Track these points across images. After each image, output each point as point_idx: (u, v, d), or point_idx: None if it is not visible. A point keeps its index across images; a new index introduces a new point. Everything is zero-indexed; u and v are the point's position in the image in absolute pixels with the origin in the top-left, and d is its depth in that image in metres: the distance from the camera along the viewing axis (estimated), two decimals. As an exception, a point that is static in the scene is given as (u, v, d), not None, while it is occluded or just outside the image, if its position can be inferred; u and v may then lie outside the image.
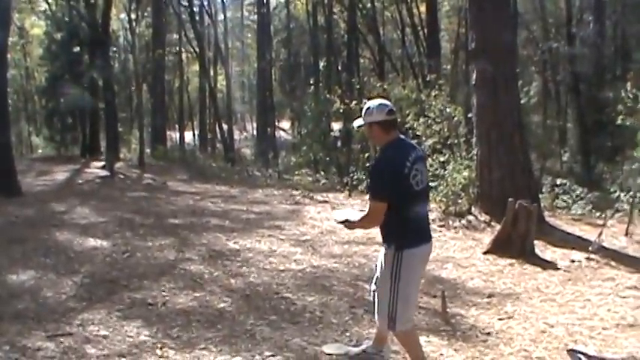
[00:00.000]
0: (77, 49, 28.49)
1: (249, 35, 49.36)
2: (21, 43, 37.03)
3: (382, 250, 4.69)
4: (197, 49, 34.58)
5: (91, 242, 9.60)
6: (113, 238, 9.97)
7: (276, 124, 36.31)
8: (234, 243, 9.80)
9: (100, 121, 28.69)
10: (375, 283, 4.81)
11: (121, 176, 19.00)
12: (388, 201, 4.36)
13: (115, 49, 34.88)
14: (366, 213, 4.54)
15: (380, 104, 4.57)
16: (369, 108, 4.58)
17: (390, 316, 4.57)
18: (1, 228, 10.37)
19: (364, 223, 4.68)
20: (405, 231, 4.47)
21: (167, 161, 24.72)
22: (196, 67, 41.97)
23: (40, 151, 34.94)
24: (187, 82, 43.99)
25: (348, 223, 4.69)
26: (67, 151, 29.19)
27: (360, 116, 4.69)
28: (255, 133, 38.87)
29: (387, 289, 4.57)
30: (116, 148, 24.90)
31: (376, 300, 4.75)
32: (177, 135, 38.58)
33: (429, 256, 4.80)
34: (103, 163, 21.07)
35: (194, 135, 40.74)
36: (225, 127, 32.34)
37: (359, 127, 4.74)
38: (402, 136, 4.67)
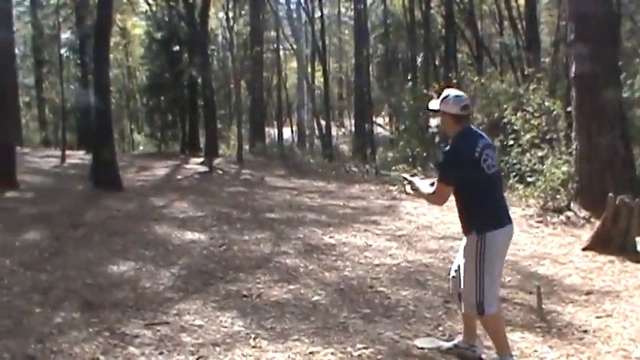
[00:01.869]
0: (177, 48, 29.29)
1: (347, 32, 49.35)
2: (123, 43, 38.29)
3: (463, 240, 4.85)
4: (295, 46, 34.92)
5: (189, 235, 9.83)
6: (210, 231, 10.19)
7: (374, 119, 36.12)
8: (330, 237, 9.86)
9: (200, 118, 29.37)
10: (456, 271, 4.95)
11: (220, 172, 19.38)
12: (454, 185, 4.62)
13: (213, 47, 35.63)
14: (432, 191, 4.76)
15: (457, 96, 4.74)
16: (447, 96, 4.74)
17: (478, 301, 4.66)
18: (103, 221, 10.74)
19: (430, 197, 4.84)
20: (483, 214, 4.64)
21: (265, 157, 25.07)
22: (294, 64, 42.43)
23: (141, 147, 36.10)
24: (285, 78, 44.45)
25: (414, 187, 4.82)
26: (168, 147, 30.01)
27: (436, 100, 4.89)
28: (352, 129, 38.81)
29: (472, 276, 4.68)
30: (215, 145, 25.41)
31: (461, 288, 4.84)
32: (276, 131, 39.02)
33: (510, 238, 4.85)
34: (202, 159, 21.56)
35: (292, 131, 41.11)
36: (322, 123, 32.49)
37: (432, 110, 4.91)
38: (472, 126, 4.87)
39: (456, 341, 5.23)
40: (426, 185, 4.92)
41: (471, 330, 5.11)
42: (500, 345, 4.79)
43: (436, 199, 4.82)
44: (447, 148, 4.81)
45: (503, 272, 6.22)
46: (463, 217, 4.79)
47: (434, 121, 4.89)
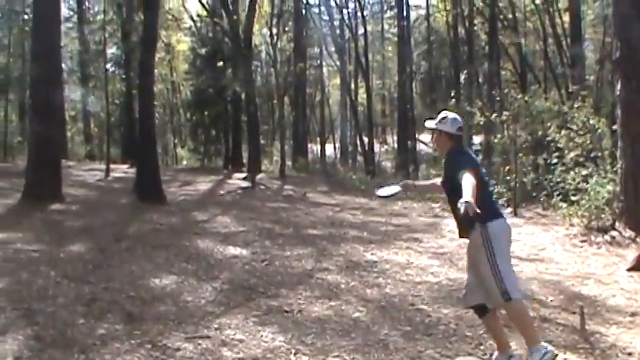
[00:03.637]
0: (221, 63, 29.66)
1: (390, 48, 49.44)
2: (167, 59, 38.74)
3: (468, 243, 5.17)
4: (338, 63, 35.06)
5: (231, 250, 9.92)
6: (252, 246, 10.26)
7: (417, 136, 36.11)
8: (372, 254, 9.86)
9: (243, 133, 29.60)
10: (467, 286, 5.28)
11: (262, 187, 19.51)
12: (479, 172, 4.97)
13: (257, 63, 35.99)
14: (468, 183, 4.71)
15: (455, 119, 5.26)
16: (445, 117, 5.26)
17: (501, 289, 4.80)
18: (147, 235, 10.89)
19: (472, 188, 4.69)
20: (483, 208, 4.59)
21: (308, 173, 25.18)
22: (337, 81, 42.57)
23: (184, 162, 36.42)
24: (328, 95, 44.64)
25: (468, 204, 4.53)
26: (211, 162, 30.30)
27: (436, 119, 5.32)
28: (395, 145, 38.81)
29: (487, 268, 4.89)
30: (258, 160, 25.57)
31: (483, 286, 5.00)
32: (318, 147, 39.20)
33: (509, 230, 5.11)
34: (244, 175, 21.73)
35: (335, 148, 41.20)
36: (365, 139, 32.55)
37: (429, 128, 5.40)
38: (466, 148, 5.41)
39: (494, 357, 5.24)
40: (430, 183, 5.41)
41: (502, 340, 5.17)
42: (530, 336, 4.86)
43: (473, 178, 4.77)
44: (455, 157, 5.15)
45: (545, 291, 6.16)
46: (466, 218, 4.67)
47: (429, 124, 5.13)
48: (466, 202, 4.51)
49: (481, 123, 17.10)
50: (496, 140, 16.74)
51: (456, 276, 8.41)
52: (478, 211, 4.45)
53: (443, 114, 5.33)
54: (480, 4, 29.80)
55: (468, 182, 4.73)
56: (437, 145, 5.47)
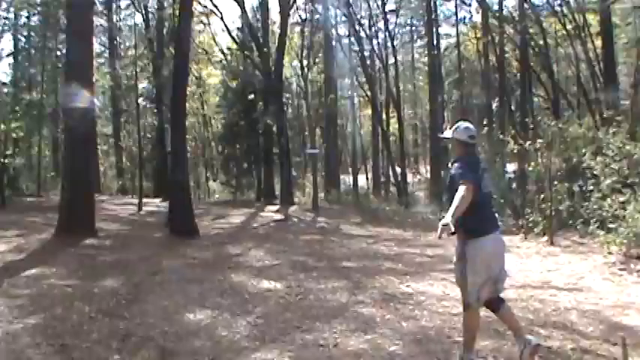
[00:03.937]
0: (252, 96, 29.91)
1: (421, 77, 49.62)
2: (198, 92, 39.16)
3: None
4: (369, 93, 35.16)
5: (265, 284, 9.90)
6: (287, 280, 10.24)
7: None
8: (407, 286, 9.78)
9: (275, 165, 29.71)
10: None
11: (295, 219, 19.53)
12: (475, 185, 5.50)
13: (288, 95, 36.24)
14: (459, 194, 5.42)
15: (467, 127, 5.95)
16: (458, 126, 5.96)
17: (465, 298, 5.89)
18: (180, 269, 10.94)
19: (460, 202, 5.39)
20: (474, 222, 5.59)
21: (340, 205, 25.14)
22: (369, 111, 42.63)
23: (216, 195, 36.66)
24: (360, 125, 44.69)
25: (450, 220, 5.27)
26: (243, 195, 30.41)
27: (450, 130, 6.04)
28: (428, 175, 38.75)
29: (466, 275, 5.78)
30: (290, 192, 25.62)
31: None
32: (351, 178, 39.16)
33: (501, 244, 5.94)
34: (277, 207, 21.77)
35: (367, 178, 41.19)
36: (398, 170, 32.51)
37: (445, 138, 6.13)
38: (476, 156, 6.10)
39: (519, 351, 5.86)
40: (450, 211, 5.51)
41: (517, 327, 5.99)
42: (466, 341, 5.98)
43: (466, 197, 5.39)
44: (457, 165, 5.81)
45: (585, 321, 6.74)
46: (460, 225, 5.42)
47: (446, 133, 6.17)
48: (443, 224, 5.23)
49: (514, 151, 16.99)
50: (530, 168, 16.61)
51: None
52: (452, 231, 5.20)
53: (457, 123, 6.03)
54: (511, 31, 29.72)
55: (456, 198, 5.38)
56: (453, 152, 6.13)
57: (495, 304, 5.90)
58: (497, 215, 6.13)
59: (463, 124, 5.99)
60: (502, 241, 5.98)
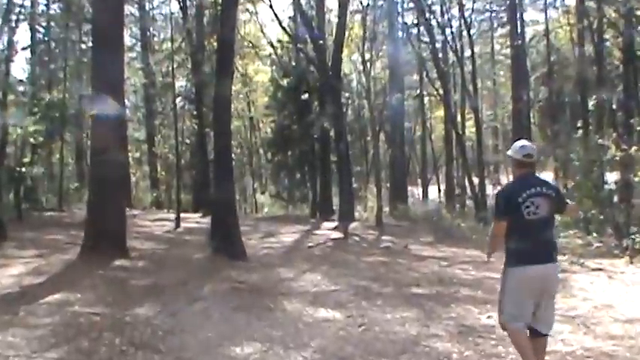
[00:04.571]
0: (306, 96, 29.97)
1: (502, 72, 49.15)
2: (244, 92, 39.31)
3: None
4: (441, 91, 34.97)
5: (323, 313, 9.87)
6: (347, 308, 10.18)
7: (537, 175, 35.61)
8: (488, 317, 9.64)
9: (333, 176, 29.70)
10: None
11: (357, 238, 19.51)
12: (507, 220, 6.27)
13: (347, 94, 36.20)
14: (490, 230, 6.69)
15: (522, 146, 6.46)
16: (515, 144, 6.56)
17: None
18: (224, 295, 10.97)
19: (490, 239, 6.78)
20: (511, 250, 6.33)
21: (408, 221, 25.06)
22: (441, 112, 42.41)
23: (265, 210, 36.79)
24: (431, 129, 44.52)
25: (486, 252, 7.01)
26: (296, 209, 30.51)
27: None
28: (512, 186, 38.43)
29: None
30: (351, 207, 25.61)
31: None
32: (420, 190, 39.07)
33: (543, 276, 6.40)
34: (335, 224, 21.78)
35: (439, 190, 41.01)
36: (475, 180, 32.25)
37: (508, 156, 6.72)
38: (531, 173, 6.48)
39: None
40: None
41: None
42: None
43: (494, 234, 6.52)
44: (498, 194, 6.76)
45: None
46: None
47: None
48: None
49: (616, 158, 16.71)
50: (637, 179, 16.31)
51: (594, 345, 8.13)
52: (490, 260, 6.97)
53: (517, 142, 6.70)
54: (612, 15, 29.25)
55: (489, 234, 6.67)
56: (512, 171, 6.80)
57: (533, 331, 6.44)
58: (551, 243, 6.56)
59: (519, 143, 6.60)
60: (542, 276, 6.37)
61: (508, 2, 38.83)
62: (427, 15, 33.41)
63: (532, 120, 41.48)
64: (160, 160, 38.58)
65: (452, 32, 36.55)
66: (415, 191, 40.04)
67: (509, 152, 6.59)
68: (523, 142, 6.64)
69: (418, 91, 41.95)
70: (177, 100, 32.58)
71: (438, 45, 35.25)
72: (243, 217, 24.46)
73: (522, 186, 6.31)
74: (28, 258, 14.20)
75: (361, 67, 31.76)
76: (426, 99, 43.45)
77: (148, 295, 10.83)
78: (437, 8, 35.57)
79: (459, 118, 38.34)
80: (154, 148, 38.18)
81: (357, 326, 9.05)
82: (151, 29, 41.15)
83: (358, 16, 35.58)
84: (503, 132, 51.67)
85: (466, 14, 37.25)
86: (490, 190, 37.99)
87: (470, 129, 40.11)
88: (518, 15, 37.84)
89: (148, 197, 37.46)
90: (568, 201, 7.01)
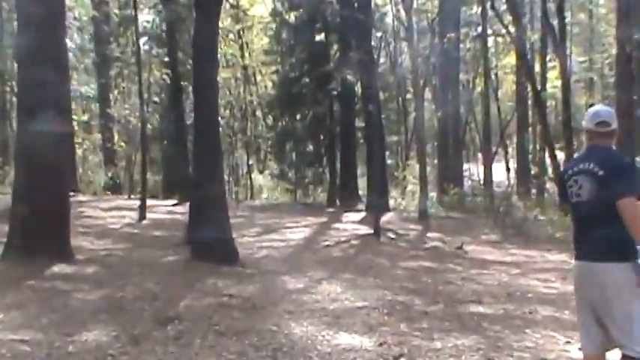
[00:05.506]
0: (321, 37, 29.69)
1: (602, 1, 48.75)
2: (236, 30, 38.96)
3: None
4: (512, 30, 34.79)
5: (345, 338, 9.85)
6: (379, 332, 10.19)
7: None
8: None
9: (359, 148, 29.57)
10: None
11: (391, 235, 19.54)
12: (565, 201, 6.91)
13: (379, 34, 36.10)
14: None
15: (595, 112, 6.67)
16: (588, 112, 6.82)
17: None
18: (208, 313, 10.96)
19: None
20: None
21: (464, 212, 25.10)
22: (512, 59, 42.21)
23: (265, 195, 36.64)
24: (497, 83, 44.36)
25: None
26: (307, 195, 30.49)
27: None
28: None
29: None
30: (384, 191, 25.55)
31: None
32: (481, 169, 38.94)
33: (585, 277, 6.53)
34: (362, 215, 21.79)
35: (508, 169, 40.94)
36: (560, 156, 32.14)
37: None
38: (598, 145, 6.56)
39: None
40: None
41: None
42: None
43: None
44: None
45: None
46: None
47: None
48: None
49: None
50: None
51: None
52: None
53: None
54: None
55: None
56: None
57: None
58: (591, 237, 6.47)
59: (593, 108, 6.85)
60: (587, 276, 6.49)
61: None
62: None
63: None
64: (117, 125, 38.28)
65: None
66: (474, 170, 40.01)
67: (583, 122, 6.79)
68: (599, 106, 7.03)
69: (480, 29, 41.74)
70: (142, 41, 32.40)
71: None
72: (235, 205, 24.49)
73: (577, 160, 6.74)
74: None
75: (399, -4, 31.69)
76: (490, 40, 43.19)
77: (100, 314, 10.82)
78: None
79: (537, 67, 38.13)
80: (109, 108, 37.91)
81: (394, 358, 9.05)
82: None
83: None
84: (603, 85, 51.21)
85: None
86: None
87: (553, 83, 39.80)
88: None
89: (101, 178, 37.40)
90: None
